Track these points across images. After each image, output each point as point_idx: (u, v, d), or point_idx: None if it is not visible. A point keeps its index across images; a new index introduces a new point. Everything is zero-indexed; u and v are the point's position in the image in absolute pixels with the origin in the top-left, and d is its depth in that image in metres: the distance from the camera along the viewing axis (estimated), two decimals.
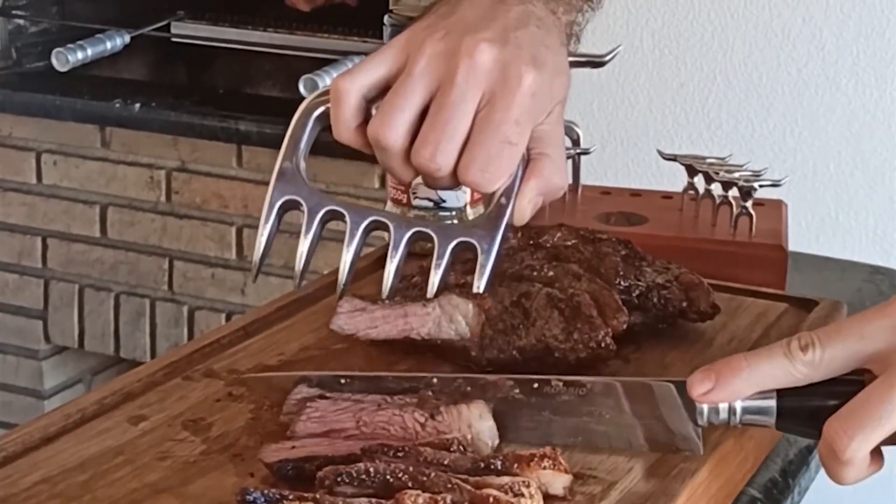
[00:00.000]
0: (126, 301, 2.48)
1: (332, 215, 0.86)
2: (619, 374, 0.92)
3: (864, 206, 2.11)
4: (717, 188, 1.22)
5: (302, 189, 0.86)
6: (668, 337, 0.98)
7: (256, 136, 2.28)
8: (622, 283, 0.96)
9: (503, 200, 0.84)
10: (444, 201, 1.11)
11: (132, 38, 2.45)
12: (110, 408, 0.87)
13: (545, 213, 1.13)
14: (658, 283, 0.98)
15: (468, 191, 1.12)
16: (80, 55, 2.37)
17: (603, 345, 0.90)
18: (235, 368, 0.93)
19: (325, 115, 0.86)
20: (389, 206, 1.14)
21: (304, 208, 0.86)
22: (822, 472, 0.96)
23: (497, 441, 0.80)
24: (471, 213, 1.13)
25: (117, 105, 2.37)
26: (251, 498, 0.71)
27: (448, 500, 0.68)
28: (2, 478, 0.78)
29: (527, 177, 0.84)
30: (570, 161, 1.27)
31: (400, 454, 0.73)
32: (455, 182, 0.83)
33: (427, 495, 0.69)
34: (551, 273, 0.94)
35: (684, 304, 0.98)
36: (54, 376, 2.60)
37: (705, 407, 0.78)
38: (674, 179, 1.34)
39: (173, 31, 2.54)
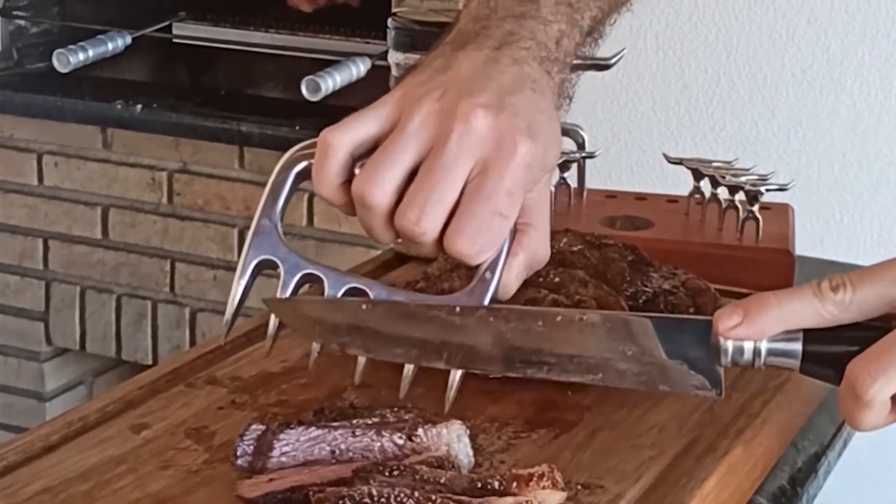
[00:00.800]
0: (128, 303, 2.48)
1: (309, 279, 0.82)
2: None
3: (869, 208, 2.11)
4: (723, 192, 1.22)
5: (279, 249, 0.83)
6: None
7: (258, 137, 2.28)
8: (629, 288, 0.96)
9: (488, 274, 0.80)
10: None
11: (133, 39, 2.45)
12: (112, 416, 0.86)
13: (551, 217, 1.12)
14: (665, 288, 0.97)
15: None
16: (81, 56, 2.37)
17: None
18: (238, 375, 0.92)
19: (306, 171, 0.82)
20: None
21: (281, 270, 0.82)
22: (830, 479, 0.95)
23: (472, 462, 0.78)
24: None
25: (119, 106, 2.36)
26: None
27: None
28: (2, 487, 0.77)
29: (514, 250, 0.81)
30: (575, 165, 1.26)
31: (395, 473, 0.72)
32: (439, 250, 0.79)
33: None
34: (557, 279, 0.93)
35: (691, 310, 0.97)
36: (55, 378, 2.59)
37: (730, 345, 0.76)
38: (678, 181, 1.33)
39: (175, 32, 2.54)
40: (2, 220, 2.52)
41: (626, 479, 0.79)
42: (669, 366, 0.78)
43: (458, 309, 0.79)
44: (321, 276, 0.82)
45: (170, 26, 2.54)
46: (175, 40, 2.55)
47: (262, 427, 0.79)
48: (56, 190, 2.47)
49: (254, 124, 2.28)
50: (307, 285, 0.83)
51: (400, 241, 0.81)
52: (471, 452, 0.78)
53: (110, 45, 2.41)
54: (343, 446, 0.77)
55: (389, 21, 1.10)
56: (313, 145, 0.81)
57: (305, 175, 0.83)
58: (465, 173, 0.78)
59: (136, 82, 2.61)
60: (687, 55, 2.16)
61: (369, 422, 0.79)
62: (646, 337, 0.78)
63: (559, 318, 0.79)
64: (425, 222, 0.78)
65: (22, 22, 2.55)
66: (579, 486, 0.78)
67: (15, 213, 2.51)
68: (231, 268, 2.41)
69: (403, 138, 0.78)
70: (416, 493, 0.69)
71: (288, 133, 2.24)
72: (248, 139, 2.29)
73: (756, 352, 0.76)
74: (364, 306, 0.80)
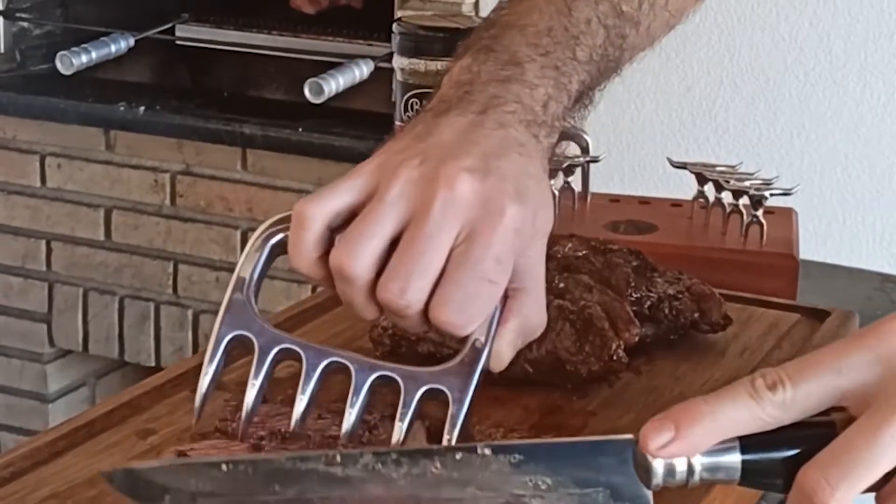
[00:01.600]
0: (130, 304, 2.48)
1: (286, 354, 0.78)
2: (631, 386, 0.92)
3: (872, 211, 2.11)
4: (727, 196, 1.22)
5: (253, 324, 0.78)
6: (679, 348, 0.98)
7: (261, 139, 2.28)
8: (633, 294, 0.96)
9: (478, 343, 0.75)
10: None
11: (136, 41, 2.45)
12: (118, 421, 0.86)
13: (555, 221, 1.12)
14: (669, 294, 0.98)
15: None
16: (84, 58, 2.37)
17: (615, 357, 0.90)
18: (244, 380, 0.92)
19: (282, 244, 0.78)
20: None
21: (255, 346, 0.78)
22: None
23: None
24: None
25: (121, 108, 2.36)
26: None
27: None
28: (10, 493, 0.78)
29: (505, 317, 0.76)
30: (579, 169, 1.26)
31: (288, 437, 0.74)
32: (424, 323, 0.74)
33: None
34: (562, 284, 0.94)
35: (696, 315, 0.97)
36: (58, 380, 2.60)
37: (660, 465, 0.66)
38: (681, 184, 1.33)
39: (178, 33, 2.54)
40: (5, 222, 2.53)
41: None
42: (590, 496, 0.67)
43: (338, 458, 0.68)
44: (299, 351, 0.77)
45: (173, 28, 2.54)
46: (178, 42, 2.55)
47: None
48: (59, 191, 2.48)
49: (256, 126, 2.28)
50: (282, 363, 0.79)
51: (384, 318, 0.78)
52: None
53: (113, 47, 2.41)
54: (307, 426, 0.77)
55: (394, 26, 1.10)
56: (288, 218, 0.77)
57: (281, 248, 0.78)
58: (450, 241, 0.74)
59: (138, 84, 2.62)
60: (690, 58, 2.16)
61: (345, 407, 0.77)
62: (560, 465, 0.67)
63: (458, 457, 0.68)
64: (410, 294, 0.73)
65: (25, 24, 2.55)
66: None
67: (18, 214, 2.51)
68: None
69: (382, 207, 0.74)
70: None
71: (290, 135, 2.24)
72: (250, 141, 2.29)
73: (690, 469, 0.66)
74: (225, 466, 0.69)
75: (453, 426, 0.74)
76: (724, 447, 0.66)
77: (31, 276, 2.53)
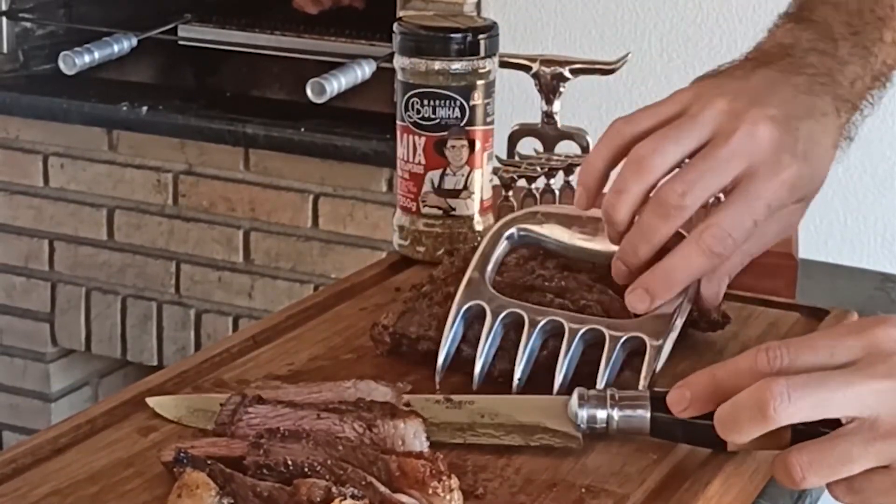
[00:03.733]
0: (133, 304, 2.48)
1: (512, 317, 0.90)
2: (629, 384, 0.92)
3: (873, 211, 2.11)
4: None
5: (486, 294, 0.91)
6: (678, 347, 0.97)
7: (264, 139, 2.28)
8: None
9: (680, 301, 0.88)
10: (453, 210, 1.11)
11: (139, 41, 2.46)
12: (120, 418, 0.87)
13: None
14: None
15: (478, 199, 1.12)
16: (87, 58, 2.37)
17: None
18: (245, 378, 0.93)
19: (515, 235, 0.94)
20: (398, 215, 1.14)
21: (487, 311, 0.90)
22: None
23: None
24: (480, 222, 1.12)
25: (124, 108, 2.37)
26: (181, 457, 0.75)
27: (348, 494, 0.70)
28: (12, 490, 0.78)
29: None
30: (579, 168, 1.26)
31: (288, 436, 0.75)
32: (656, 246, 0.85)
33: (324, 483, 0.71)
34: (563, 283, 0.94)
35: (695, 314, 0.97)
36: (61, 379, 2.60)
37: (584, 414, 0.80)
38: None
39: (180, 34, 2.55)
40: (8, 222, 2.53)
41: (630, 483, 0.79)
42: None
43: None
44: (522, 313, 0.89)
45: (175, 28, 2.54)
46: (181, 42, 2.56)
47: (241, 399, 0.82)
48: (62, 191, 2.48)
49: (259, 126, 2.28)
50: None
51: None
52: (427, 449, 0.79)
53: (116, 47, 2.41)
54: (306, 426, 0.79)
55: (395, 26, 1.10)
56: (524, 216, 0.95)
57: (514, 238, 0.94)
58: (737, 172, 0.83)
59: (141, 84, 2.62)
60: (691, 58, 2.16)
61: (341, 407, 0.81)
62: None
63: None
64: (688, 198, 0.82)
65: (28, 24, 2.56)
66: (583, 490, 0.79)
67: (21, 214, 2.52)
68: (236, 269, 2.42)
69: (692, 123, 0.83)
70: (329, 462, 0.73)
71: (293, 135, 2.25)
72: (253, 141, 2.30)
73: (609, 419, 0.80)
74: None
75: (650, 368, 0.86)
76: (637, 404, 0.80)
77: (35, 275, 2.54)
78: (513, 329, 0.90)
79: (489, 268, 0.93)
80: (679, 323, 0.89)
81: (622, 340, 0.87)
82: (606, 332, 0.87)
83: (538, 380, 0.89)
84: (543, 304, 0.91)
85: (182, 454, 0.75)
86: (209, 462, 0.74)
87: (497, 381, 0.90)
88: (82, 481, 0.79)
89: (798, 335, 1.02)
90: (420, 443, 0.79)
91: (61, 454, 0.82)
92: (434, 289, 0.97)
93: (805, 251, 1.21)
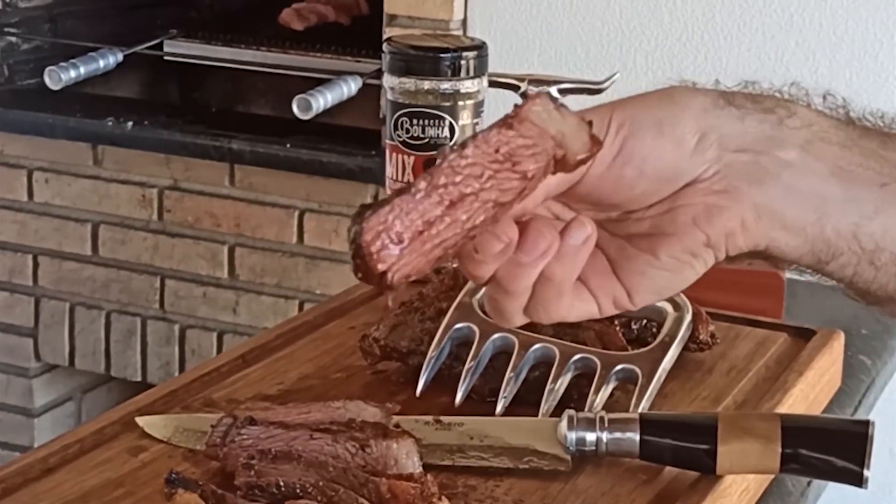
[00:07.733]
0: (117, 319, 2.48)
1: (502, 341, 0.91)
2: (619, 404, 0.92)
3: None
4: None
5: (476, 318, 0.93)
6: None
7: (249, 154, 2.28)
8: (622, 315, 0.96)
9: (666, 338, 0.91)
10: None
11: (125, 57, 2.45)
12: (109, 438, 0.87)
13: None
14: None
15: None
16: (72, 73, 2.37)
17: None
18: (235, 398, 0.93)
19: None
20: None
21: (476, 333, 0.91)
22: (820, 502, 0.96)
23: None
24: None
25: (110, 123, 2.37)
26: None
27: None
28: None
29: None
30: None
31: (279, 457, 0.76)
32: None
33: None
34: None
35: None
36: (45, 394, 2.59)
37: (574, 437, 0.81)
38: None
39: (166, 49, 2.55)
40: None
41: (619, 501, 0.80)
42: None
43: None
44: (512, 337, 0.90)
45: (161, 44, 2.54)
46: (166, 58, 2.56)
47: (232, 420, 0.82)
48: (46, 206, 2.48)
49: (245, 142, 2.28)
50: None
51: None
52: (420, 469, 0.79)
53: (101, 63, 2.41)
54: (299, 447, 0.79)
55: (385, 45, 1.11)
56: None
57: None
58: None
59: (127, 99, 2.62)
60: (677, 75, 2.17)
61: (332, 427, 0.81)
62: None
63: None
64: None
65: (13, 38, 2.55)
66: None
67: (5, 229, 2.51)
68: (221, 285, 2.42)
69: None
70: (321, 483, 0.73)
71: (279, 151, 2.24)
72: (238, 157, 2.30)
73: (598, 442, 0.82)
74: None
75: (640, 398, 0.88)
76: (626, 427, 0.81)
77: (18, 290, 2.53)
78: (503, 352, 0.91)
79: (480, 293, 0.93)
80: (674, 353, 0.90)
81: (615, 370, 0.89)
82: (598, 361, 0.89)
83: (526, 400, 0.90)
84: (534, 331, 0.91)
85: (174, 475, 0.75)
86: (201, 483, 0.74)
87: (486, 400, 0.91)
88: (73, 501, 0.79)
89: (785, 355, 1.03)
90: (413, 463, 0.79)
91: (51, 474, 0.82)
92: (425, 305, 0.97)
93: (790, 270, 1.21)
